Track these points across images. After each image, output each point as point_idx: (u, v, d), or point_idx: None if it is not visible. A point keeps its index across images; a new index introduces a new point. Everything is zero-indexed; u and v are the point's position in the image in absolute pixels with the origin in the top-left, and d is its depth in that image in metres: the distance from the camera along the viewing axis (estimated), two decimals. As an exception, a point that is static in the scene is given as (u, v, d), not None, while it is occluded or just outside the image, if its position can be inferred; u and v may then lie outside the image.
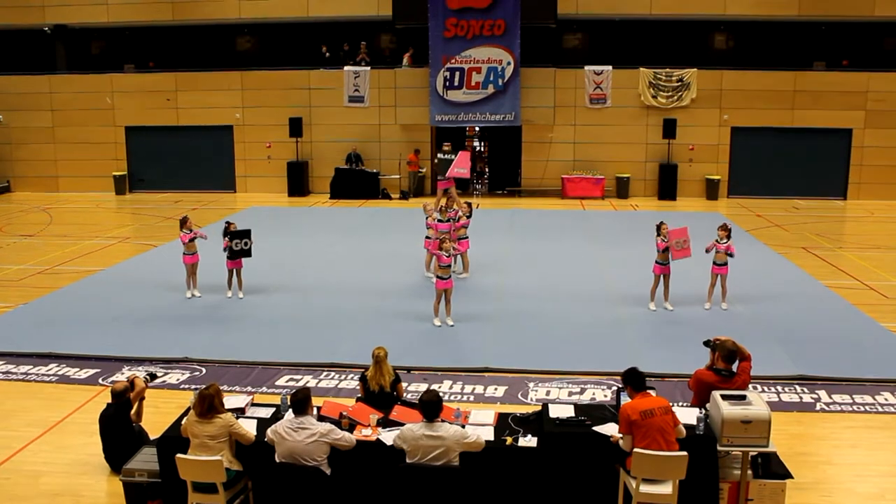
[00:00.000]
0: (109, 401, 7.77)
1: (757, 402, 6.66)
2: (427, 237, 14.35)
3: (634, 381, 6.66)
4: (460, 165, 15.30)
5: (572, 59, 25.39)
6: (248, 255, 13.35)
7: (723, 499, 6.78)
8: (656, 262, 12.57)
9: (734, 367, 7.27)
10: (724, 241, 12.55)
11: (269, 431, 6.55)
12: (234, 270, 13.42)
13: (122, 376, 10.04)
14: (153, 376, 8.40)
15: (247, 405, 7.41)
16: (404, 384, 8.21)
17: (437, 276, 11.78)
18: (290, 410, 6.68)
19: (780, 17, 24.49)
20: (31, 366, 10.58)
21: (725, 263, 12.59)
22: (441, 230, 13.81)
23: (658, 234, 12.50)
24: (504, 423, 7.11)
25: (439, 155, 15.84)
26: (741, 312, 12.57)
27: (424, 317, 12.21)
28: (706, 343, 7.61)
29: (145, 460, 7.16)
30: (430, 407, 6.44)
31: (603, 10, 24.71)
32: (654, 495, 6.35)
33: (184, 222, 13.49)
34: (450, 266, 11.80)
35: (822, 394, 9.59)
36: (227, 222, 13.51)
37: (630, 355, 10.24)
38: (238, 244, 13.19)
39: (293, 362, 10.61)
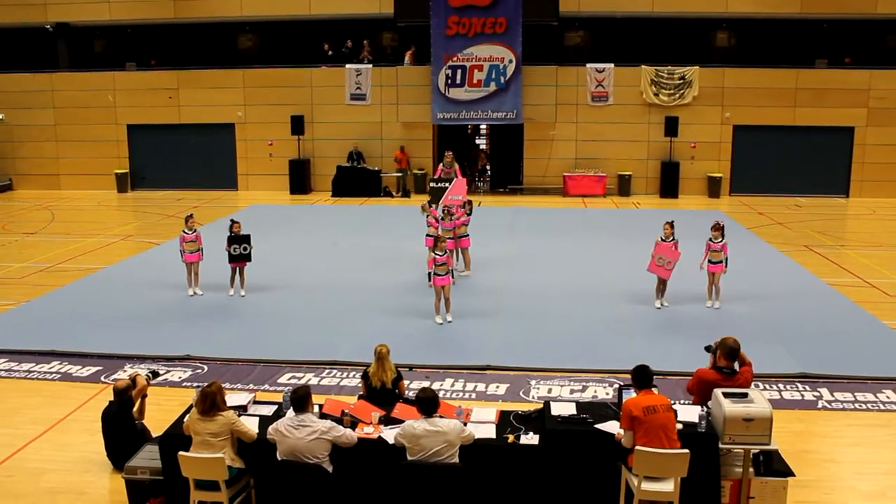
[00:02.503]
0: (111, 398, 7.79)
1: (759, 399, 6.65)
2: (428, 235, 14.35)
3: (641, 377, 6.65)
4: (455, 192, 15.09)
5: (574, 56, 25.40)
6: (247, 260, 13.43)
7: (724, 496, 6.77)
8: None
9: (735, 367, 7.26)
10: (719, 240, 12.51)
11: (270, 429, 6.55)
12: (237, 269, 13.47)
13: (124, 374, 10.07)
14: (155, 374, 8.41)
15: (249, 403, 7.42)
16: (406, 382, 8.21)
17: (436, 274, 11.79)
18: (291, 408, 6.69)
19: (781, 15, 24.48)
20: (33, 363, 10.60)
21: (720, 262, 12.55)
22: (445, 227, 13.85)
23: (661, 234, 12.53)
24: (506, 421, 7.11)
25: (432, 183, 15.56)
26: (743, 310, 12.55)
27: (426, 314, 12.22)
28: (707, 349, 7.58)
29: (147, 458, 7.16)
30: (427, 403, 6.48)
31: (605, 7, 24.70)
32: (655, 493, 6.36)
33: (187, 220, 13.51)
34: (446, 264, 11.79)
35: (824, 392, 9.59)
36: (232, 221, 13.56)
37: (632, 353, 10.24)
38: (237, 249, 13.28)
39: (295, 360, 10.61)
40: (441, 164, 15.28)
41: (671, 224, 12.62)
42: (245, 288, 13.50)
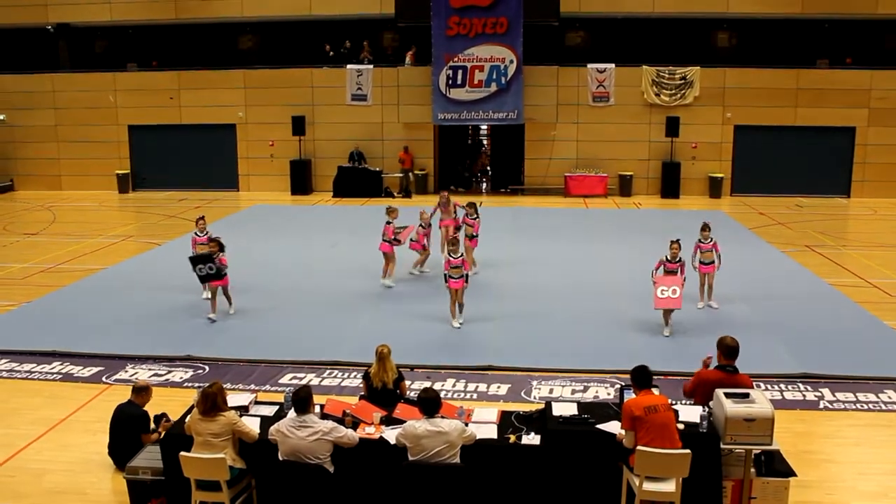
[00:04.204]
0: (130, 397, 7.79)
1: (760, 400, 6.65)
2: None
3: (640, 378, 6.65)
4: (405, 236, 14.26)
5: (575, 57, 25.38)
6: (218, 278, 12.19)
7: (726, 497, 6.77)
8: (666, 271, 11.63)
9: (736, 365, 7.25)
10: (709, 240, 12.47)
11: (272, 430, 6.55)
12: (217, 289, 12.28)
13: (125, 374, 10.10)
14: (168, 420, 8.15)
15: (250, 403, 7.42)
16: (407, 382, 8.21)
17: (450, 276, 11.75)
18: (293, 409, 6.69)
19: (782, 15, 24.46)
20: (34, 364, 10.60)
21: (712, 262, 12.50)
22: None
23: (668, 253, 11.64)
24: (507, 422, 7.11)
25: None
26: (744, 311, 12.55)
27: (428, 315, 12.22)
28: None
29: (149, 458, 7.16)
30: (429, 404, 6.48)
31: (605, 8, 24.70)
32: (657, 493, 6.35)
33: (198, 222, 13.43)
34: (460, 267, 11.75)
35: (826, 392, 9.58)
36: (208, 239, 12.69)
37: (633, 353, 10.23)
38: (202, 269, 12.08)
39: (296, 360, 10.62)
40: (438, 201, 14.99)
41: (678, 243, 11.62)
42: (233, 307, 12.52)
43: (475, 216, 14.56)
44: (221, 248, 12.21)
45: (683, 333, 11.47)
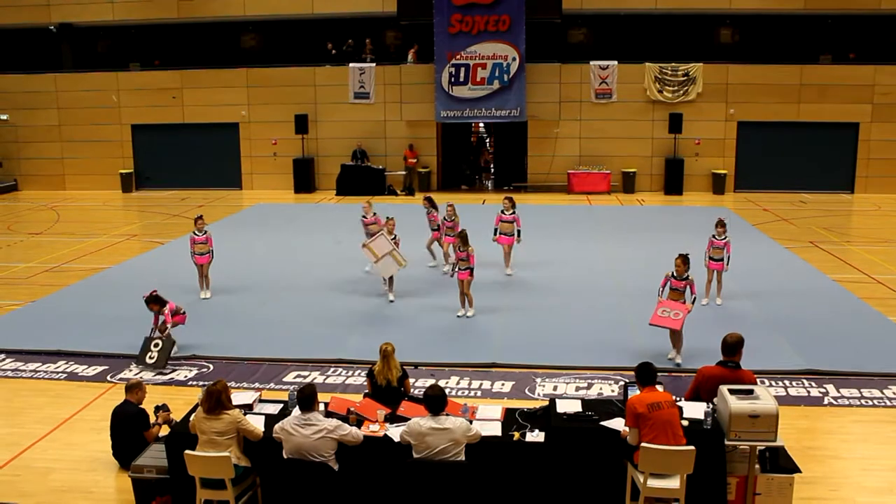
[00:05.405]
0: (125, 397, 7.77)
1: (764, 396, 6.64)
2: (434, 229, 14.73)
3: (645, 374, 6.65)
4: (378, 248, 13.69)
5: (577, 54, 25.37)
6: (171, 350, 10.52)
7: (730, 493, 6.76)
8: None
9: (738, 362, 7.24)
10: (723, 237, 12.44)
11: (276, 428, 6.56)
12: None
13: (130, 373, 10.11)
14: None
15: (254, 401, 7.43)
16: (412, 380, 8.21)
17: (458, 269, 12.00)
18: (297, 407, 6.70)
19: (785, 11, 24.42)
20: (39, 363, 10.62)
21: (722, 259, 12.47)
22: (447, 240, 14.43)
23: (672, 269, 10.46)
24: (511, 419, 7.11)
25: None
26: (749, 307, 12.53)
27: (431, 312, 12.22)
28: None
29: (154, 457, 7.17)
30: (435, 401, 6.47)
31: (608, 4, 24.69)
32: (661, 489, 6.35)
33: (196, 222, 13.44)
34: (467, 259, 11.92)
35: (830, 388, 9.56)
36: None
37: (637, 351, 10.24)
38: (155, 356, 10.30)
39: (300, 358, 10.63)
40: (444, 214, 14.82)
41: (685, 259, 10.37)
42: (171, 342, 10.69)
43: (512, 211, 14.41)
44: (160, 301, 10.73)
45: (687, 330, 11.43)
